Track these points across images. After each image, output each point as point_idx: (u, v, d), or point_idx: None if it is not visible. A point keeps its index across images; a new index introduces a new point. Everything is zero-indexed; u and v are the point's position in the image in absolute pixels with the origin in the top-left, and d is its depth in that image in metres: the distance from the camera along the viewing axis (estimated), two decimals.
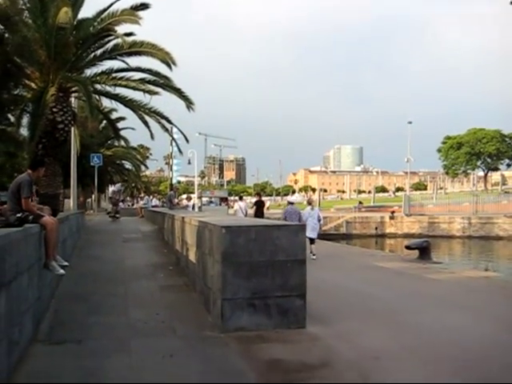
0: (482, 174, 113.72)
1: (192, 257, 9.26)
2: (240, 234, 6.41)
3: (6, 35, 15.04)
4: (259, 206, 21.05)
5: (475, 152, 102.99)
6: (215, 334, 6.24)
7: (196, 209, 38.12)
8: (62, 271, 7.11)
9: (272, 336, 6.14)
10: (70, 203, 28.15)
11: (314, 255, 14.61)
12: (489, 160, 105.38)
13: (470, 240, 37.15)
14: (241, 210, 21.37)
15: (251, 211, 22.79)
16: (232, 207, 25.02)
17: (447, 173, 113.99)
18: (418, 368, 5.09)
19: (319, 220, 16.28)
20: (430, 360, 5.31)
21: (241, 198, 26.27)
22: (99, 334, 6.35)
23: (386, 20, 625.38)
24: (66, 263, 7.53)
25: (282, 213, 17.20)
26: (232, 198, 68.55)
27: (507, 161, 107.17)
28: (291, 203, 17.26)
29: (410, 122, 77.94)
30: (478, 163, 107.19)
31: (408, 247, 16.08)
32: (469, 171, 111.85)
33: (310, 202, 18.13)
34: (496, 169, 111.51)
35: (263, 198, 27.39)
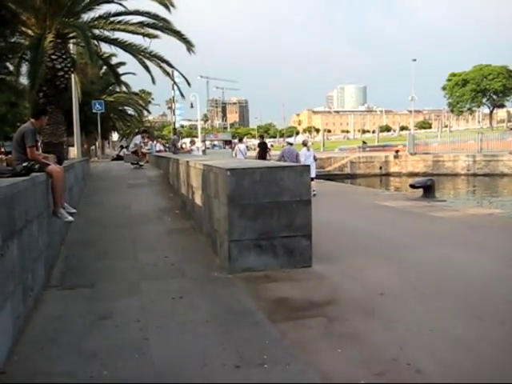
0: (487, 111, 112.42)
1: (198, 200, 9.35)
2: (245, 176, 6.46)
3: None
4: (263, 147, 21.13)
5: (481, 89, 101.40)
6: (223, 275, 6.39)
7: (200, 152, 38.11)
8: (70, 218, 7.22)
9: (279, 275, 6.28)
10: (75, 151, 28.19)
11: (314, 191, 14.75)
12: (494, 97, 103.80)
13: (475, 178, 37.17)
14: (240, 152, 21.62)
15: (252, 153, 22.99)
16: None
17: (452, 111, 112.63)
18: (421, 303, 5.21)
19: (315, 159, 17.16)
20: (433, 295, 5.45)
21: (240, 141, 26.54)
22: (110, 278, 6.50)
23: None
24: (73, 210, 7.64)
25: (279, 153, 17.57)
26: (236, 140, 68.39)
27: None
28: (290, 144, 17.78)
29: (415, 60, 77.22)
30: (484, 100, 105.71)
31: (412, 186, 16.14)
32: (474, 108, 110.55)
33: (305, 144, 18.22)
34: (502, 106, 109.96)
35: (266, 140, 27.55)
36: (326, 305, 5.21)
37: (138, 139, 24.96)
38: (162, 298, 5.55)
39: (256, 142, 40.59)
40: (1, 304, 3.91)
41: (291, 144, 17.71)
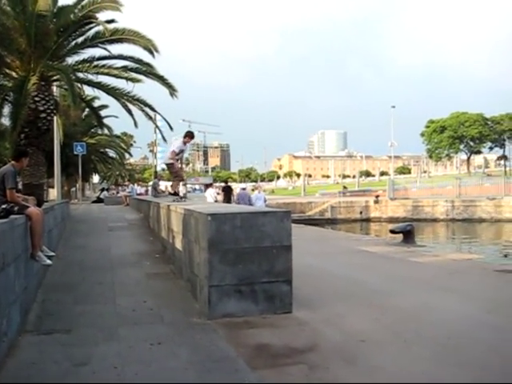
0: (464, 157, 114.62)
1: (178, 244, 9.29)
2: (225, 221, 6.45)
3: None
4: (227, 191, 24.21)
5: (458, 136, 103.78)
6: (203, 320, 6.30)
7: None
8: (48, 261, 7.13)
9: (259, 322, 6.21)
10: (55, 193, 28.02)
11: None
12: (471, 143, 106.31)
13: (454, 223, 37.58)
14: (210, 196, 23.11)
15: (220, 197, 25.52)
16: (218, 194, 26.13)
17: (431, 156, 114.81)
18: (402, 350, 5.19)
19: (265, 201, 20.96)
20: (414, 341, 5.42)
21: (210, 185, 28.63)
22: (87, 322, 6.37)
23: (365, 8, 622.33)
24: (52, 253, 7.55)
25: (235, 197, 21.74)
26: (217, 184, 68.71)
27: (489, 144, 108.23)
28: (243, 189, 22.07)
29: (394, 107, 78.84)
30: (461, 147, 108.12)
31: (392, 231, 16.26)
32: (452, 155, 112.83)
33: (256, 188, 25.15)
34: (479, 152, 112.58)
35: (247, 184, 30.13)
36: (306, 351, 5.15)
37: (178, 145, 12.31)
38: (140, 344, 5.45)
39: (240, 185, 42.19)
40: None
41: (244, 189, 22.06)
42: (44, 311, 6.96)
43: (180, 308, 7.01)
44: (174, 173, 12.33)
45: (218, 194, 26.03)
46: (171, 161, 11.88)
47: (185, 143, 11.91)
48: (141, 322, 6.39)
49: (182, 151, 12.10)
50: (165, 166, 15.24)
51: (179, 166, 12.53)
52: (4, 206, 6.71)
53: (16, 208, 6.79)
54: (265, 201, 21.12)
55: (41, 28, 16.72)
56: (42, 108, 17.27)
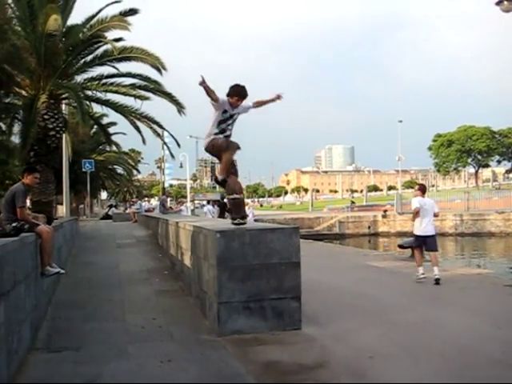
0: (472, 170, 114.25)
1: (187, 261, 9.31)
2: (234, 238, 6.48)
3: None
4: (222, 207, 23.96)
5: (466, 149, 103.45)
6: (212, 337, 6.31)
7: (189, 212, 38.19)
8: (57, 270, 7.20)
9: (268, 338, 6.21)
10: (63, 209, 28.15)
11: None
12: (479, 157, 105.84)
13: (463, 237, 37.33)
14: (209, 212, 23.21)
15: None
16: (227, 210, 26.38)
17: (438, 170, 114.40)
18: (411, 365, 5.18)
19: (253, 216, 21.37)
20: (423, 357, 5.41)
21: (208, 202, 28.60)
22: (97, 340, 6.39)
23: (374, 23, 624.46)
24: (62, 270, 7.58)
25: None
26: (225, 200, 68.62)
27: (497, 157, 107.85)
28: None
29: (401, 121, 78.76)
30: (469, 160, 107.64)
31: (401, 246, 16.18)
32: (460, 168, 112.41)
33: (246, 204, 26.15)
34: (486, 165, 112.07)
35: (256, 199, 30.58)
36: (316, 368, 5.15)
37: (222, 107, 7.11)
38: (150, 361, 5.46)
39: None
40: None
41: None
42: (54, 329, 6.99)
43: (189, 325, 7.02)
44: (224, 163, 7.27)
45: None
46: (209, 138, 7.31)
47: (231, 104, 7.05)
48: (150, 339, 6.40)
49: (230, 117, 7.17)
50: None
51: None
52: (14, 224, 6.77)
53: (26, 226, 6.85)
54: (253, 216, 21.72)
55: (50, 47, 16.96)
56: (51, 126, 17.47)
